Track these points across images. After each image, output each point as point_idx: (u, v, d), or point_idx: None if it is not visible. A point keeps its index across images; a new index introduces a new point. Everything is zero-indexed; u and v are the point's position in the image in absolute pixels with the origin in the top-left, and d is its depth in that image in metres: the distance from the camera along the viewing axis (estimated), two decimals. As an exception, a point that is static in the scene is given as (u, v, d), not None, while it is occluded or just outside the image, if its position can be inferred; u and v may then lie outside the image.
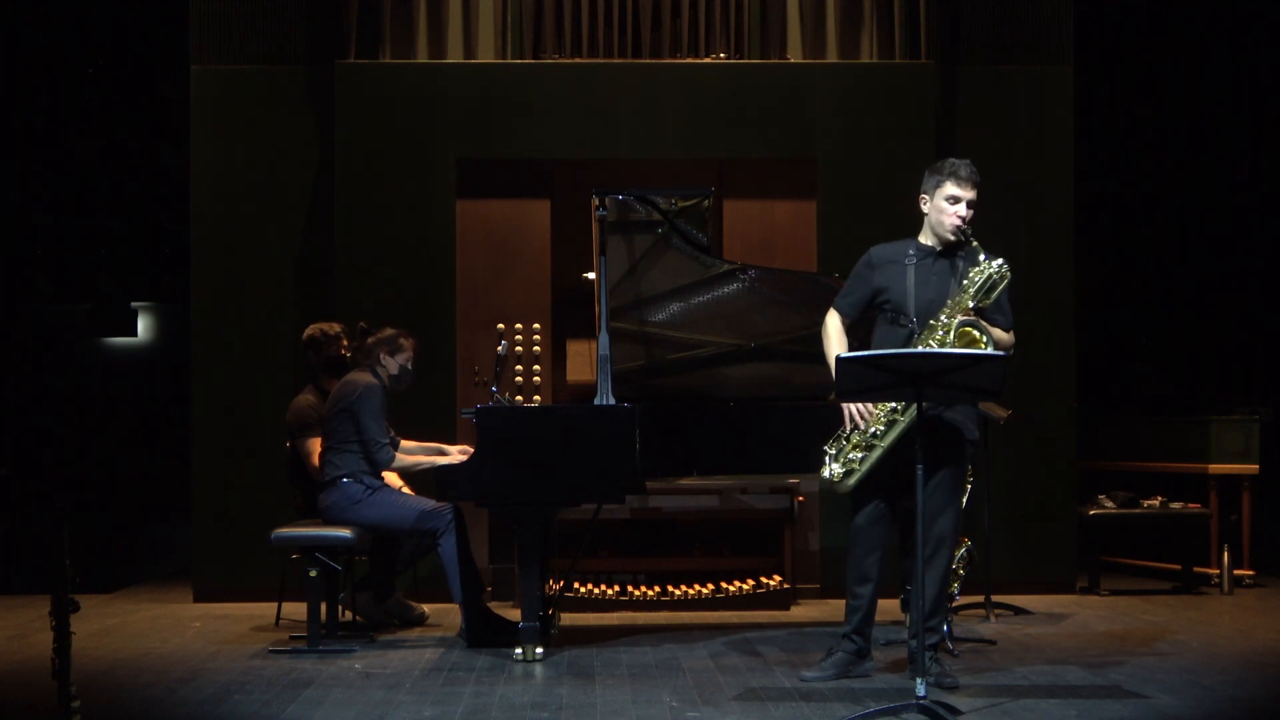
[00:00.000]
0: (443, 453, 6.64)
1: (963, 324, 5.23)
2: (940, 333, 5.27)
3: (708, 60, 8.18)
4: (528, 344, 8.02)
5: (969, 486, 6.47)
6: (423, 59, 8.20)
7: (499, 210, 8.10)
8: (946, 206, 5.42)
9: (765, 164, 8.14)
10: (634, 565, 7.71)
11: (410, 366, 6.78)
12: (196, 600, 7.99)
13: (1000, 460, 7.64)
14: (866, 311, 5.60)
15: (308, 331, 7.21)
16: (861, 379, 4.97)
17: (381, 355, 6.72)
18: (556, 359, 8.11)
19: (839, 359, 4.98)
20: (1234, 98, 10.05)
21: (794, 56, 8.27)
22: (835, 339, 5.54)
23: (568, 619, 7.15)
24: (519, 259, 8.06)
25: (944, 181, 5.43)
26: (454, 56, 8.24)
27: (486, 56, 8.24)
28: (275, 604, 7.19)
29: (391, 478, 6.89)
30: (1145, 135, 10.26)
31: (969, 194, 5.42)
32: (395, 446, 6.61)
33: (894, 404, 5.32)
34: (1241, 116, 10.06)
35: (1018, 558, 7.98)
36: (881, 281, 5.50)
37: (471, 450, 6.36)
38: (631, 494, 6.81)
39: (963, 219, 5.40)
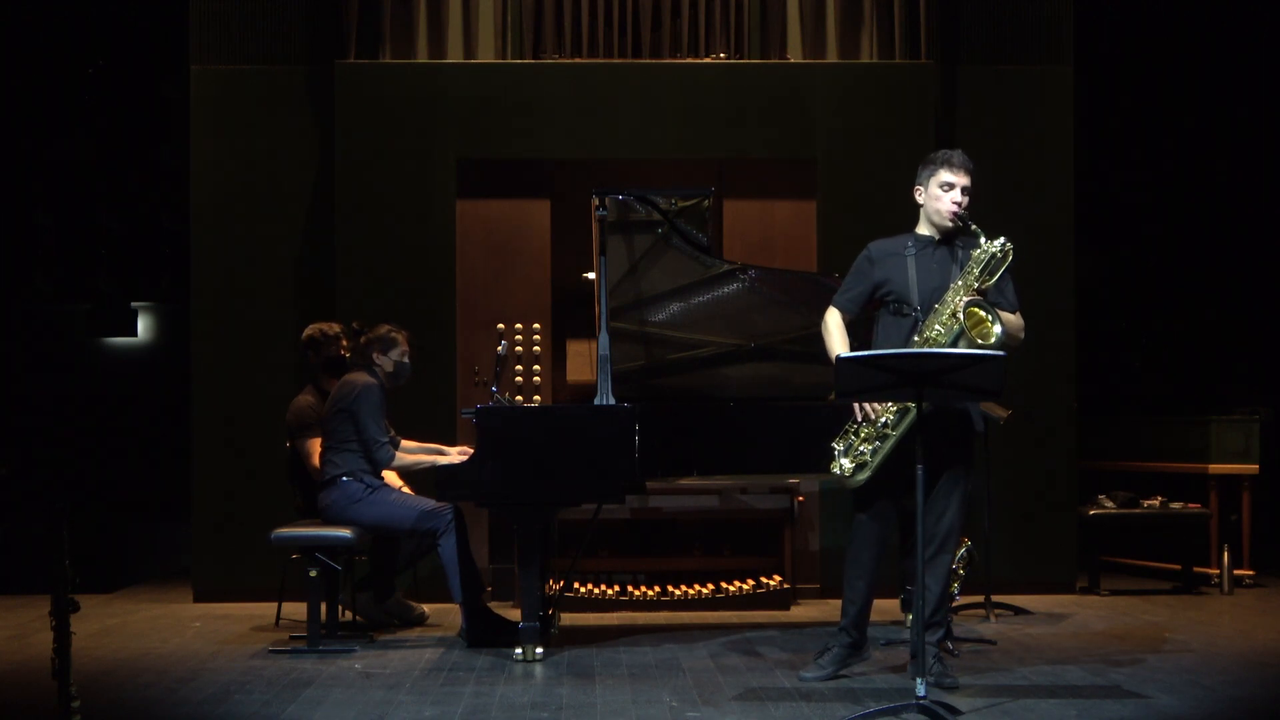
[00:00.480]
0: (442, 453, 6.64)
1: (970, 303, 5.22)
2: (947, 314, 5.27)
3: (708, 60, 8.18)
4: (528, 344, 8.01)
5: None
6: (423, 59, 8.20)
7: (499, 210, 8.10)
8: (941, 193, 5.44)
9: (765, 164, 8.14)
10: (634, 565, 7.71)
11: (406, 361, 6.77)
12: (196, 600, 8.00)
13: (1000, 460, 7.63)
14: (866, 307, 5.60)
15: (307, 331, 7.21)
16: (861, 379, 4.97)
17: (375, 355, 6.72)
18: (556, 359, 8.10)
19: (839, 359, 4.98)
20: (1234, 97, 10.05)
21: (794, 56, 8.27)
22: (836, 335, 5.52)
23: (568, 619, 7.15)
24: (519, 259, 8.06)
25: (937, 170, 5.46)
26: (454, 56, 8.24)
27: (486, 56, 8.24)
28: (275, 604, 7.19)
29: (391, 477, 6.89)
30: (1145, 135, 10.26)
31: (963, 180, 5.44)
32: (395, 446, 6.61)
33: None
34: (1241, 116, 10.07)
35: (1018, 558, 7.97)
36: (882, 275, 5.51)
37: (471, 450, 6.36)
38: (631, 494, 6.80)
39: (958, 204, 5.42)
